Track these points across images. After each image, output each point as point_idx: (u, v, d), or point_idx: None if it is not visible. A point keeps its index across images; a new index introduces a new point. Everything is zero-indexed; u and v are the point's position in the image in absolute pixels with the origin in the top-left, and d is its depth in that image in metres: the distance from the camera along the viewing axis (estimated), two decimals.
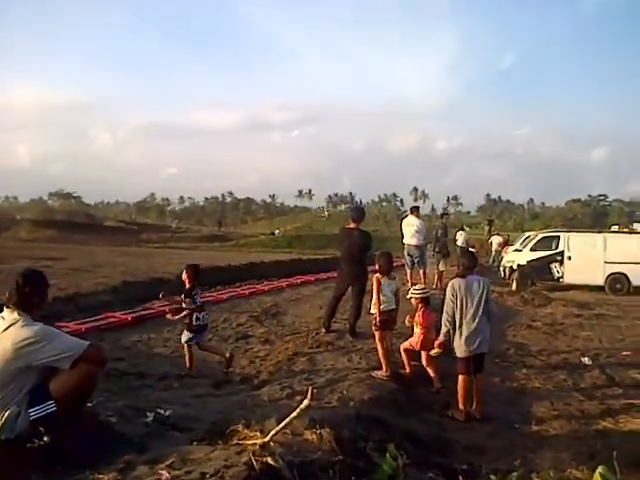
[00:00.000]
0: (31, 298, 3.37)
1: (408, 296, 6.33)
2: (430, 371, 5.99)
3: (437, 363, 5.96)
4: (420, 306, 6.10)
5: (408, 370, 6.08)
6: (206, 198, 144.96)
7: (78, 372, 3.22)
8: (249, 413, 4.11)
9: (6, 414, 3.10)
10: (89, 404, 3.70)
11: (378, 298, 5.93)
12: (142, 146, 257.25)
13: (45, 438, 3.09)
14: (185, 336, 6.41)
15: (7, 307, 3.36)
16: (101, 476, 2.67)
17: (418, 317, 6.06)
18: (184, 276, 6.60)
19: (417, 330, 6.02)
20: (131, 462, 2.88)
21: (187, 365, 6.45)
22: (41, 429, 3.12)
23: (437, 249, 13.82)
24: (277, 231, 62.85)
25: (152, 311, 9.89)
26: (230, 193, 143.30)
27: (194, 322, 6.38)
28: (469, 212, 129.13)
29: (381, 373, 5.82)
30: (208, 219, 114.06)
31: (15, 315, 3.29)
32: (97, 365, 3.43)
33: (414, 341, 6.01)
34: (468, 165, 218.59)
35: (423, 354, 5.98)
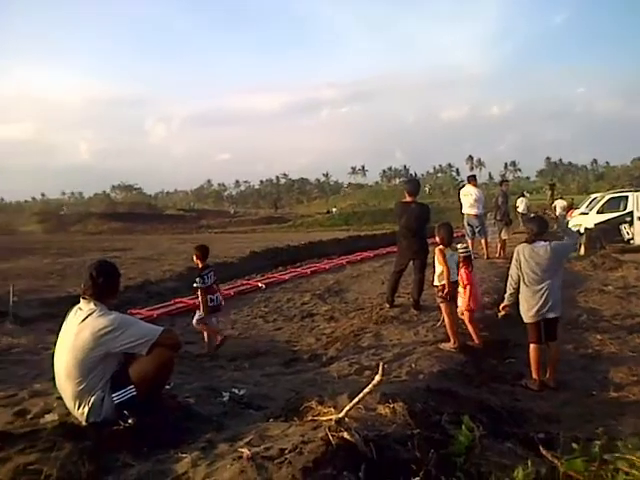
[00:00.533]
0: (105, 288, 3.52)
1: None
2: (471, 329, 6.03)
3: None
4: (462, 264, 6.06)
5: (477, 342, 6.00)
6: (261, 181, 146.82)
7: (155, 357, 3.35)
8: (320, 390, 4.17)
9: (92, 399, 3.27)
10: (167, 386, 3.85)
11: (447, 270, 5.86)
12: (195, 134, 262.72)
13: (130, 421, 3.24)
14: (197, 316, 6.54)
15: (83, 298, 3.52)
16: (184, 455, 2.77)
17: (461, 276, 6.02)
18: (194, 257, 6.71)
19: (461, 290, 6.01)
20: (212, 441, 2.98)
21: (205, 344, 6.61)
22: (125, 412, 3.28)
23: (498, 217, 13.47)
24: (334, 209, 62.85)
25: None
26: (284, 175, 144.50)
27: (207, 303, 6.49)
28: (528, 177, 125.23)
29: (449, 345, 5.77)
30: (264, 201, 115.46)
31: (92, 305, 3.44)
32: (172, 349, 3.56)
33: (465, 301, 5.97)
34: (524, 129, 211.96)
35: (466, 314, 5.98)
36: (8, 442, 2.88)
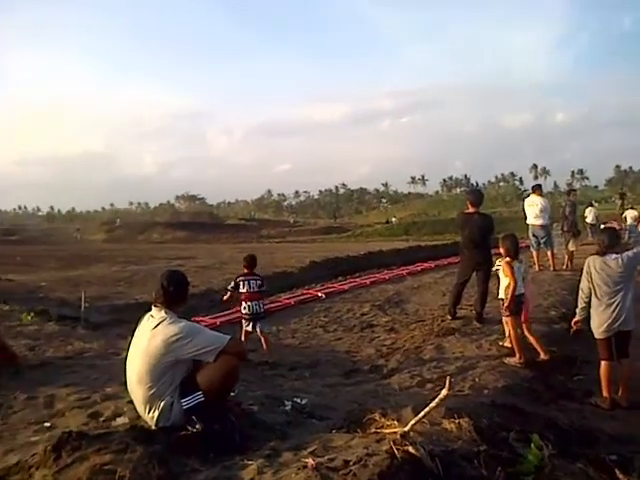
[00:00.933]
0: (175, 297, 3.64)
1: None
2: (534, 341, 5.92)
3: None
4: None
5: (544, 356, 5.81)
6: (320, 191, 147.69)
7: (222, 364, 3.43)
8: (382, 402, 4.15)
9: (161, 404, 3.38)
10: (232, 394, 3.92)
11: (514, 282, 5.72)
12: (256, 145, 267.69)
13: (197, 426, 3.33)
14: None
15: (155, 306, 3.65)
16: (250, 462, 2.82)
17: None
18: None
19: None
20: (276, 449, 3.02)
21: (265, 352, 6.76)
22: (193, 418, 3.37)
23: (565, 228, 13.01)
24: (393, 219, 62.48)
25: (278, 304, 10.27)
26: (343, 185, 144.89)
27: (241, 310, 6.74)
28: (596, 186, 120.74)
29: (514, 360, 5.62)
30: (323, 211, 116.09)
31: (162, 313, 3.56)
32: (238, 357, 3.63)
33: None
34: (592, 136, 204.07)
35: (524, 326, 5.89)
36: (85, 442, 3.01)
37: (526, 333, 5.91)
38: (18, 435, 3.65)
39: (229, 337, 3.60)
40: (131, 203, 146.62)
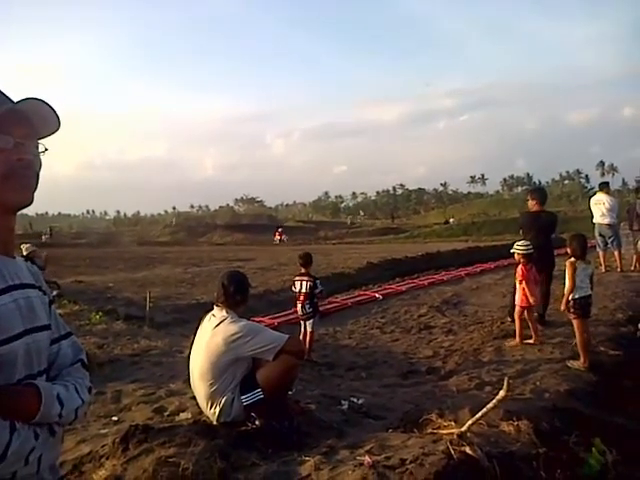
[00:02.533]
0: (235, 296, 3.76)
1: (512, 250, 6.47)
2: (517, 325, 6.32)
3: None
4: (522, 261, 6.25)
5: (534, 341, 6.24)
6: (377, 192, 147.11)
7: (281, 363, 3.52)
8: (439, 403, 4.12)
9: (223, 400, 3.50)
10: (290, 392, 4.01)
11: (571, 284, 5.57)
12: (313, 147, 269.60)
13: (257, 422, 3.43)
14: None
15: (217, 305, 3.78)
16: (307, 458, 2.89)
17: (519, 272, 6.24)
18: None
19: (517, 285, 6.25)
20: (333, 447, 3.08)
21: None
22: (253, 414, 3.47)
23: (636, 227, 12.44)
24: (452, 219, 61.46)
25: (336, 304, 10.33)
26: (401, 185, 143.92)
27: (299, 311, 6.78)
28: None
29: (578, 363, 5.45)
30: (380, 212, 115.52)
31: (224, 312, 3.69)
32: (297, 356, 3.72)
33: (520, 297, 6.20)
34: None
35: (517, 309, 6.24)
36: (150, 435, 3.16)
37: (525, 316, 6.27)
38: (89, 427, 3.87)
39: (288, 336, 3.68)
40: (192, 206, 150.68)
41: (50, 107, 1.30)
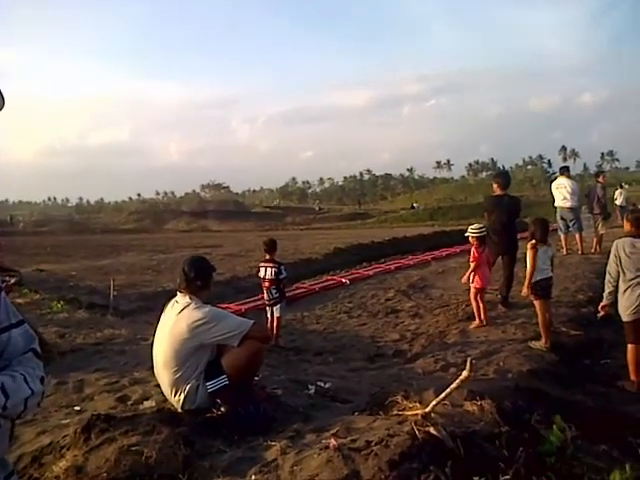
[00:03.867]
0: (197, 282, 3.70)
1: (466, 234, 6.70)
2: (475, 307, 6.55)
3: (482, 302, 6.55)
4: (475, 244, 6.52)
5: (477, 323, 6.50)
6: (345, 178, 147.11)
7: (246, 348, 3.49)
8: (405, 385, 4.16)
9: (187, 387, 3.46)
10: (256, 378, 3.99)
11: (532, 266, 5.67)
12: (280, 133, 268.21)
13: (222, 408, 3.40)
14: None
15: (180, 292, 3.72)
16: (273, 443, 2.87)
17: (472, 255, 6.51)
18: None
19: (471, 268, 6.50)
20: (299, 431, 3.08)
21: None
22: (218, 400, 3.44)
23: (597, 210, 12.72)
24: (416, 204, 62.03)
25: (304, 290, 10.33)
26: (368, 171, 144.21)
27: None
28: (627, 168, 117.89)
29: (540, 344, 5.57)
30: (348, 198, 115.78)
31: (187, 299, 3.63)
32: (262, 341, 3.69)
33: (474, 280, 6.50)
34: (622, 117, 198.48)
35: (473, 289, 6.51)
36: (113, 424, 3.10)
37: (471, 297, 6.57)
38: (50, 418, 3.78)
39: (253, 322, 3.65)
40: (157, 193, 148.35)
41: None
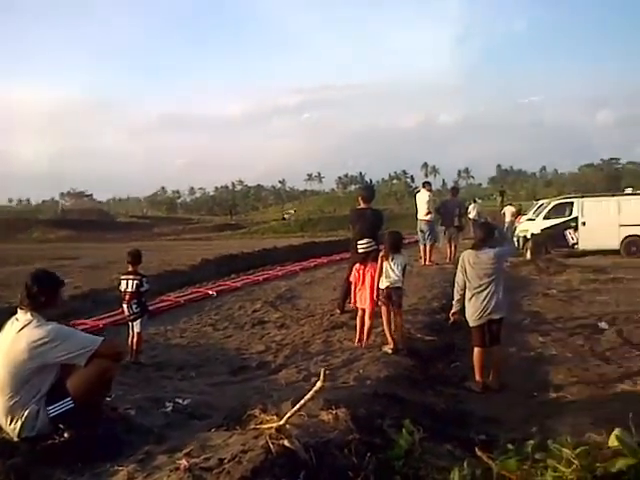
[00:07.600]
0: (41, 298, 3.41)
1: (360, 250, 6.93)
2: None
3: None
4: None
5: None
6: (216, 188, 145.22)
7: (94, 368, 3.27)
8: (266, 398, 4.14)
9: (25, 413, 3.16)
10: (108, 398, 3.75)
11: (379, 275, 5.97)
12: (150, 140, 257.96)
13: (65, 434, 3.15)
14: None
15: (20, 308, 3.41)
16: (121, 468, 2.71)
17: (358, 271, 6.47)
18: None
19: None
20: (151, 452, 2.94)
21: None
22: (61, 426, 3.18)
23: (456, 224, 13.65)
24: (286, 215, 62.84)
25: (168, 303, 9.97)
26: (240, 181, 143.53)
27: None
28: (480, 184, 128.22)
29: (388, 347, 5.86)
30: (219, 208, 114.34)
31: (28, 316, 3.34)
32: (112, 360, 3.48)
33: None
34: (477, 137, 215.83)
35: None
36: None
37: (366, 318, 6.28)
38: None
39: (102, 339, 3.44)
40: (10, 200, 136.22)
41: None
